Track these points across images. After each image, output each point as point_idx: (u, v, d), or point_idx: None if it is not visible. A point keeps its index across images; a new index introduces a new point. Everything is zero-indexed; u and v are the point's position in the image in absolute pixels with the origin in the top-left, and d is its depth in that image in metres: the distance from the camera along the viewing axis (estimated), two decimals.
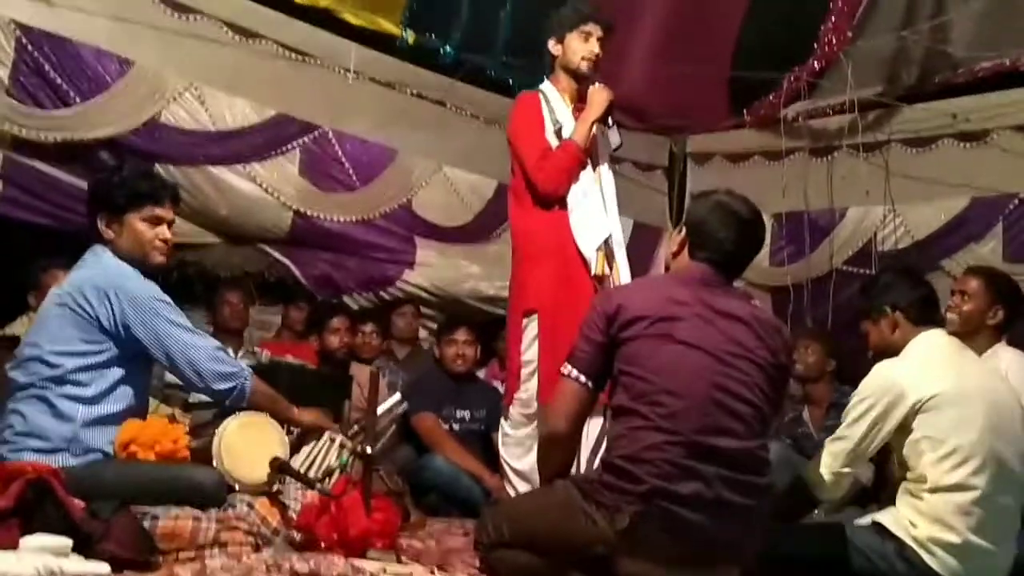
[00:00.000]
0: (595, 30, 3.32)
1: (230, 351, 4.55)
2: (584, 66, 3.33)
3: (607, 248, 3.23)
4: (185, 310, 5.00)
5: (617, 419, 2.22)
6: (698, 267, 2.34)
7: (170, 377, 4.47)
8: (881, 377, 2.64)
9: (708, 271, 2.33)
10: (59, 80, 4.34)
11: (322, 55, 5.15)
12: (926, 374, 2.60)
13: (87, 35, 4.42)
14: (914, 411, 2.55)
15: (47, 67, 4.30)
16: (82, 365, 2.63)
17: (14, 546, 2.08)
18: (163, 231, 2.81)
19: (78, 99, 4.38)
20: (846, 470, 2.62)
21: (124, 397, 2.69)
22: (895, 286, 2.81)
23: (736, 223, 2.36)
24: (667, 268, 2.55)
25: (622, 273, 3.24)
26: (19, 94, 4.26)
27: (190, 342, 2.72)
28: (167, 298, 2.76)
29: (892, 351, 2.73)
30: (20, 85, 4.26)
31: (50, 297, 2.76)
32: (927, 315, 2.77)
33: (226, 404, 2.85)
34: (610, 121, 3.36)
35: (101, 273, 2.70)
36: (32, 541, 2.10)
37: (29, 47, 4.25)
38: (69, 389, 2.61)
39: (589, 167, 3.29)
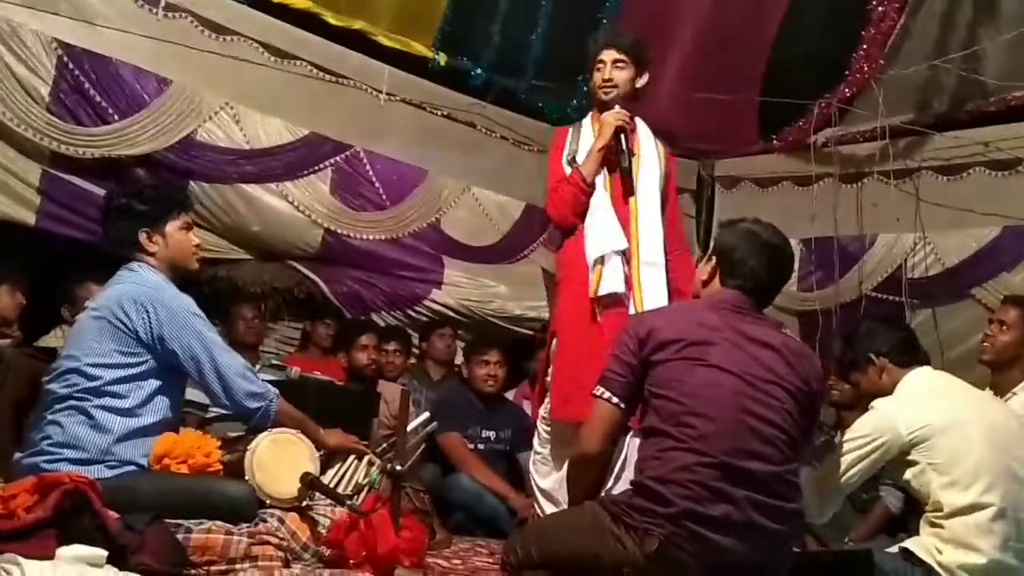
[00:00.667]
0: (607, 56, 3.33)
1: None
2: (601, 95, 3.34)
3: (615, 268, 3.19)
4: (215, 325, 5.09)
5: (647, 441, 2.22)
6: (729, 294, 2.35)
7: (188, 394, 4.56)
8: (875, 415, 2.68)
9: (739, 298, 2.34)
10: (98, 97, 4.42)
11: (355, 76, 5.22)
12: (916, 407, 2.65)
13: (127, 54, 4.51)
14: (910, 443, 2.59)
15: (87, 85, 4.39)
16: (119, 377, 2.67)
17: (50, 556, 2.10)
18: (194, 237, 2.92)
19: (116, 116, 4.46)
20: (833, 496, 2.66)
21: (160, 409, 2.73)
22: (876, 333, 2.87)
23: (766, 252, 2.38)
24: (695, 296, 2.54)
25: (647, 294, 3.18)
26: (59, 111, 4.35)
27: (221, 359, 2.75)
28: (202, 313, 2.80)
29: (884, 395, 2.78)
30: (60, 102, 4.34)
31: (87, 310, 2.81)
32: (910, 356, 2.83)
33: (251, 423, 2.87)
34: (623, 142, 3.30)
35: (139, 287, 2.74)
36: (68, 551, 2.11)
37: (70, 65, 4.34)
38: (107, 401, 2.64)
39: (601, 189, 3.28)
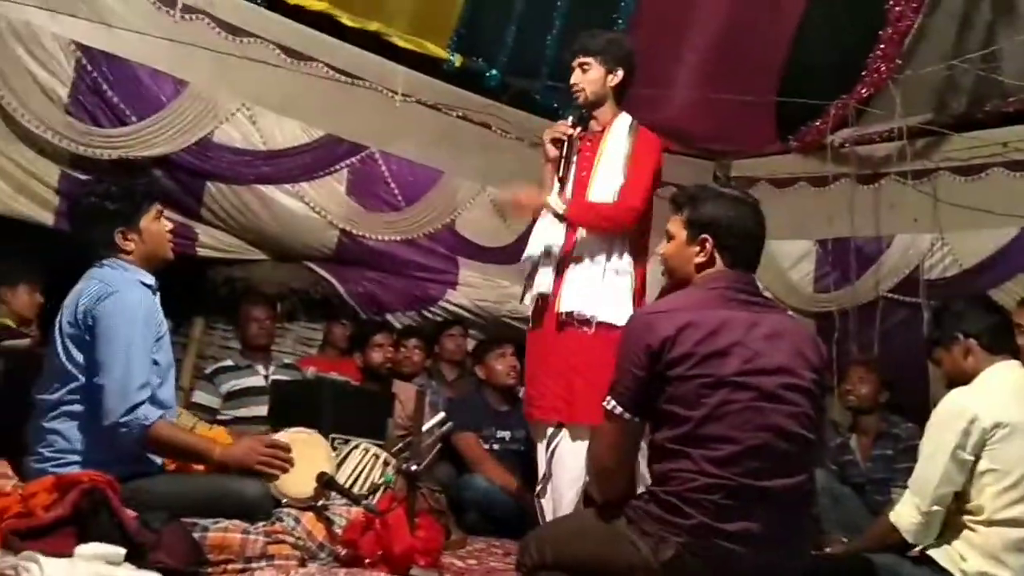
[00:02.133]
0: (574, 62, 3.36)
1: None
2: (575, 99, 3.38)
3: (543, 272, 3.26)
4: (229, 328, 5.08)
5: (663, 459, 2.14)
6: (731, 277, 2.23)
7: (196, 398, 4.53)
8: (953, 404, 2.59)
9: (741, 279, 2.24)
10: (116, 99, 4.45)
11: (371, 78, 5.24)
12: (998, 403, 2.55)
13: (144, 56, 4.54)
14: (983, 440, 2.50)
15: (105, 86, 4.42)
16: (81, 375, 2.60)
17: (69, 554, 2.12)
18: (166, 223, 2.85)
19: (134, 118, 4.49)
20: (935, 508, 2.55)
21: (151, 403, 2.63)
22: (968, 313, 2.77)
23: (755, 214, 2.27)
24: (686, 279, 2.32)
25: (568, 290, 3.19)
26: (77, 112, 4.38)
27: (124, 373, 2.56)
28: (146, 319, 2.66)
29: (965, 378, 2.68)
30: (79, 103, 4.38)
31: (60, 313, 2.73)
32: (1001, 343, 2.72)
33: (118, 433, 2.58)
34: (564, 150, 3.33)
35: (98, 284, 2.66)
36: (86, 549, 2.13)
37: (88, 67, 4.38)
38: (94, 400, 2.58)
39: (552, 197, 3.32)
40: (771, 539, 2.09)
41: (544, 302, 3.25)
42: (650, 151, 3.29)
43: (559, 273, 3.22)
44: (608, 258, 3.19)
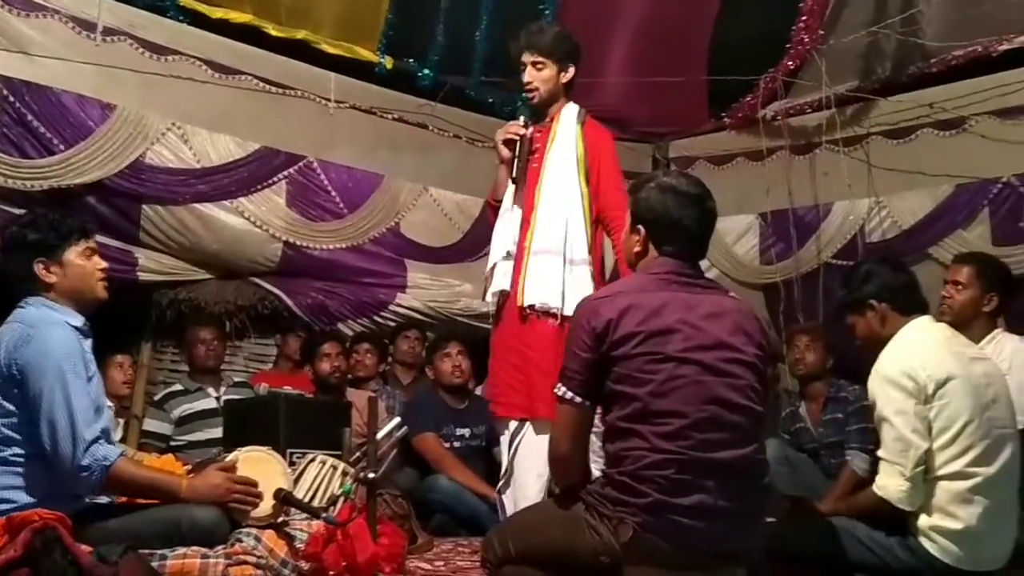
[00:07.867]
0: (525, 59, 3.30)
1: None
2: (529, 98, 3.34)
3: (502, 271, 3.24)
4: (176, 351, 5.00)
5: (615, 440, 2.19)
6: (671, 263, 2.28)
7: (148, 426, 4.48)
8: (893, 365, 2.61)
9: (679, 265, 2.28)
10: (42, 129, 4.38)
11: (302, 86, 5.21)
12: (933, 358, 2.58)
13: (68, 83, 4.46)
14: (928, 396, 2.54)
15: (30, 117, 4.35)
16: (13, 423, 2.52)
17: None
18: (99, 261, 2.72)
19: (62, 146, 4.42)
20: (919, 469, 2.55)
21: None
22: (877, 276, 2.78)
23: (692, 204, 2.28)
24: (629, 265, 2.42)
25: (531, 283, 3.16)
26: (3, 145, 4.30)
27: (68, 414, 2.47)
28: (78, 358, 2.55)
29: (882, 342, 2.72)
30: (3, 136, 4.30)
31: None
32: (913, 302, 2.76)
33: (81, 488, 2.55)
34: (517, 150, 3.27)
35: (19, 325, 2.56)
36: None
37: (11, 98, 4.30)
38: (15, 449, 2.50)
39: (507, 197, 3.29)
40: (726, 511, 2.13)
41: (504, 298, 3.23)
42: (612, 149, 3.32)
43: (518, 268, 3.21)
44: (568, 250, 3.17)
